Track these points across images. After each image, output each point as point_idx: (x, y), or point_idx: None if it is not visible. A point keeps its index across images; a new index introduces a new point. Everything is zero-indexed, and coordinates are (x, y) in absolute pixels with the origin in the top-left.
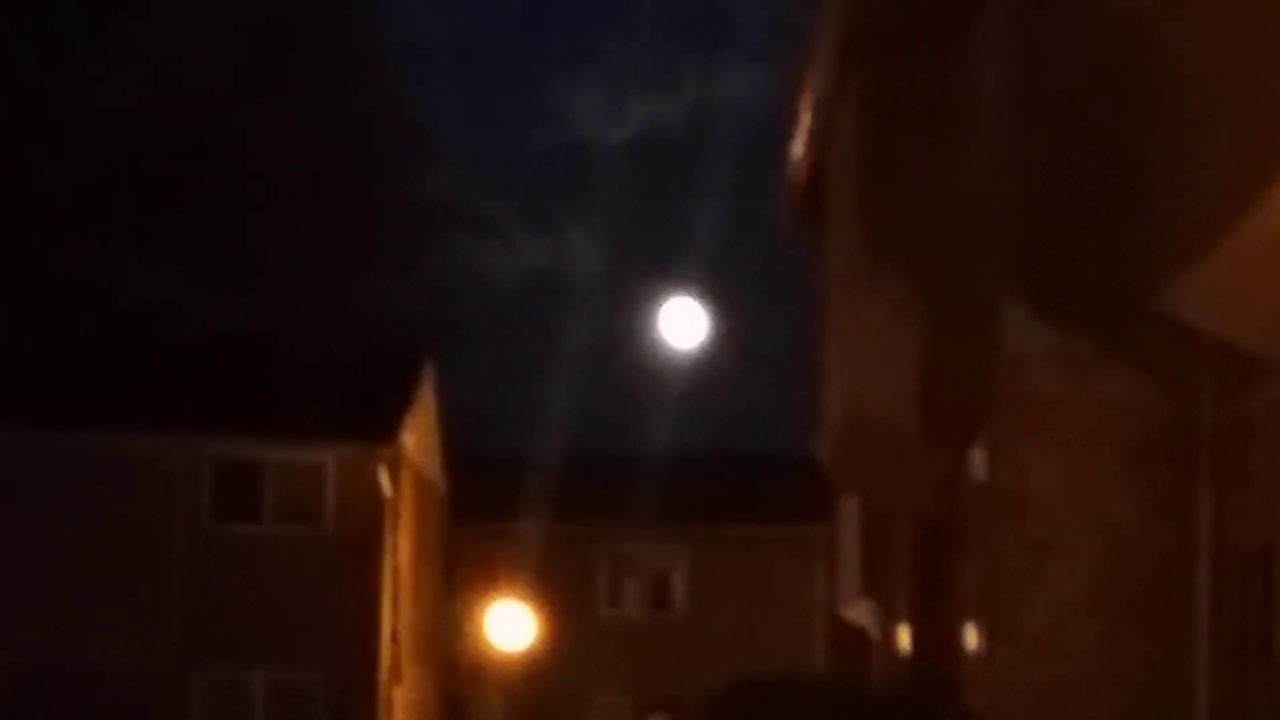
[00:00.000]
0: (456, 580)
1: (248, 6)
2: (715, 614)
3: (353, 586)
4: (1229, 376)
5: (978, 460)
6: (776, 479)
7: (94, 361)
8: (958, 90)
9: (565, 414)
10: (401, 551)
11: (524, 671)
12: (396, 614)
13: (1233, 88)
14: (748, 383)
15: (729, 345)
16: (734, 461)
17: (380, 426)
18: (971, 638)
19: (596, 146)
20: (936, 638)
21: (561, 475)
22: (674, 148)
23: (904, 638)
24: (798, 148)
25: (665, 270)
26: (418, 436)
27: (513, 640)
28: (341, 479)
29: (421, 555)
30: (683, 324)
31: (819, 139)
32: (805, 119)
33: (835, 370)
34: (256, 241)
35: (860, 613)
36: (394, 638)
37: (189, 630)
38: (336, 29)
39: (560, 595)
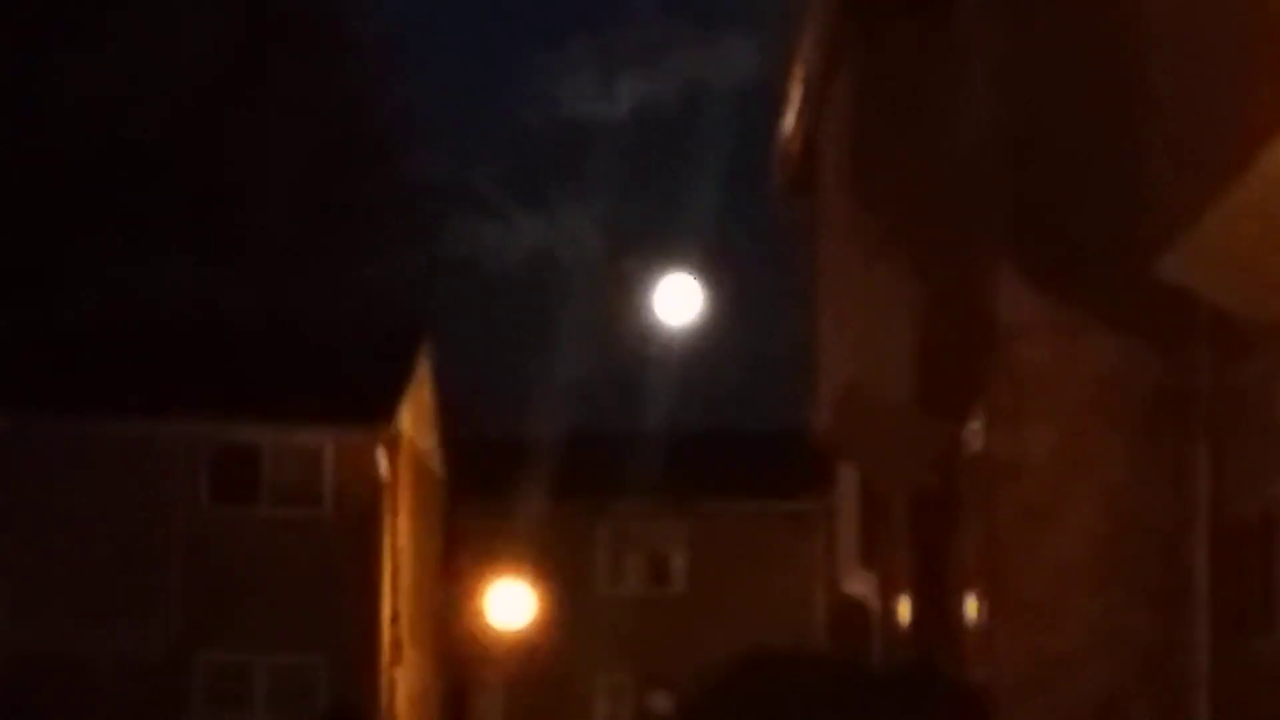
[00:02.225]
0: (456, 561)
1: None
2: (715, 590)
3: (352, 569)
4: (1225, 342)
5: (974, 431)
6: (774, 454)
7: (89, 347)
8: (947, 61)
9: (562, 393)
10: (400, 533)
11: (525, 651)
12: (396, 595)
13: (1223, 53)
14: (744, 358)
15: (725, 321)
16: (731, 437)
17: (377, 409)
18: (971, 608)
19: (589, 125)
20: (936, 609)
21: (559, 454)
22: (667, 125)
23: (904, 609)
24: (789, 122)
25: (660, 248)
26: (415, 418)
27: (513, 620)
28: (339, 462)
29: (420, 537)
30: (678, 300)
31: (810, 113)
32: (796, 94)
33: (830, 344)
34: (251, 226)
35: (860, 585)
36: (394, 619)
37: (189, 615)
38: (324, 10)
39: (560, 574)
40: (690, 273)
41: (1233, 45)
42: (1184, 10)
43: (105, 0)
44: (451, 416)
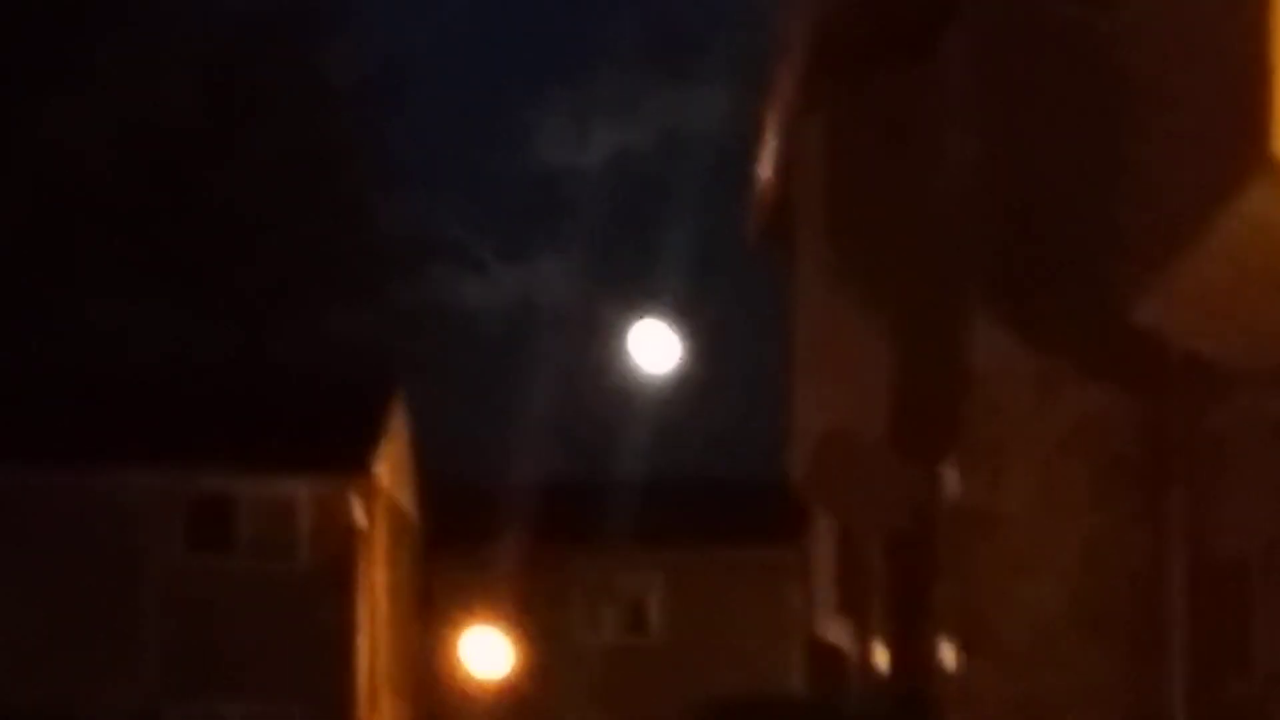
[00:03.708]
0: (432, 609)
1: (213, 36)
2: (692, 637)
3: (328, 618)
4: (1200, 388)
5: (950, 477)
6: (750, 501)
7: (63, 395)
8: (924, 108)
9: (539, 440)
10: (376, 582)
11: (502, 698)
12: (373, 644)
13: (1199, 101)
14: (721, 405)
15: (702, 368)
16: (708, 484)
17: (353, 458)
18: (948, 655)
19: (566, 173)
20: (913, 656)
21: (536, 502)
22: (643, 173)
23: (881, 656)
24: (765, 169)
25: (637, 295)
26: (391, 467)
27: (490, 667)
28: (315, 511)
29: (396, 585)
30: (655, 347)
31: (786, 160)
32: (771, 140)
33: (805, 390)
34: (227, 274)
35: (836, 632)
36: (371, 668)
37: (164, 665)
38: (302, 57)
39: (537, 621)
40: (667, 320)
41: (1207, 92)
42: (1161, 60)
43: (83, 44)
44: (427, 465)
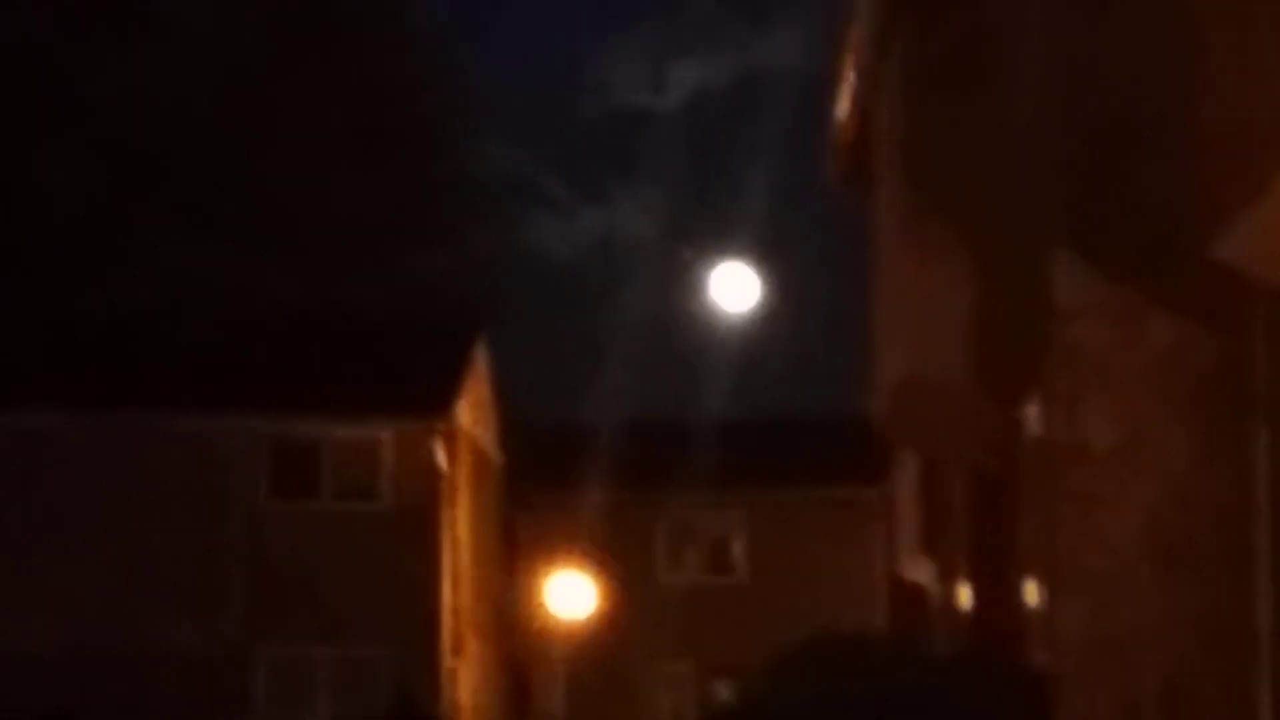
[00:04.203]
0: (516, 552)
1: None
2: (776, 578)
3: (412, 561)
4: None
5: (1032, 415)
6: (833, 441)
7: (147, 341)
8: (1001, 44)
9: (621, 382)
10: (460, 525)
11: (586, 640)
12: (457, 587)
13: None
14: (802, 344)
15: (782, 308)
16: (790, 425)
17: (435, 401)
18: (1031, 593)
19: (645, 115)
20: (996, 594)
21: (618, 444)
22: (722, 114)
23: (964, 595)
24: (843, 108)
25: (717, 236)
26: (473, 410)
27: (574, 610)
28: (398, 454)
29: (480, 528)
30: (735, 288)
31: (864, 99)
32: (849, 79)
33: (887, 330)
34: (306, 217)
35: (920, 572)
36: (455, 611)
37: (250, 609)
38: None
39: (620, 564)
40: (747, 261)
41: None
42: None
43: None
44: (509, 408)
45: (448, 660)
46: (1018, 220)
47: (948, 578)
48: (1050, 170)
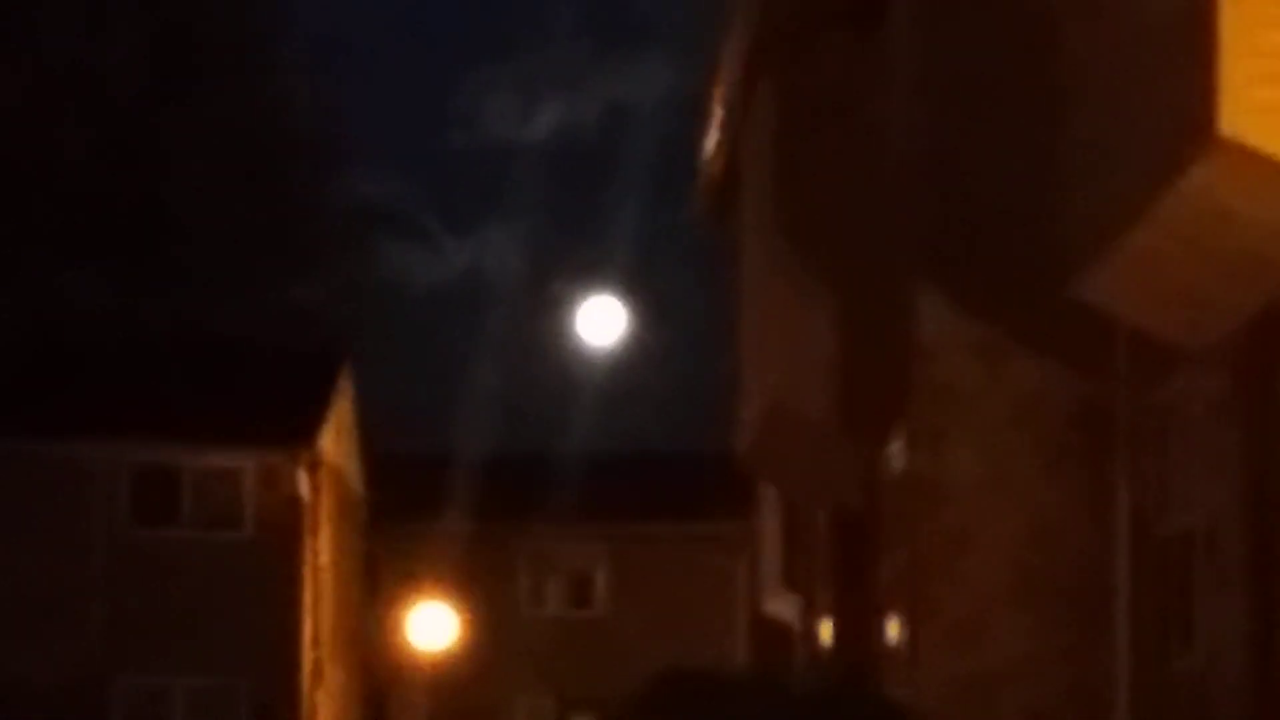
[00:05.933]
0: (378, 582)
1: (159, 5)
2: (637, 611)
3: (273, 590)
4: (1144, 363)
5: (895, 452)
6: (697, 475)
7: (7, 366)
8: (869, 81)
9: (484, 414)
10: (321, 554)
11: (447, 672)
12: (317, 617)
13: (1142, 75)
14: (667, 379)
15: (648, 342)
16: (654, 459)
17: (298, 430)
18: (893, 629)
19: (513, 147)
20: (859, 630)
21: (481, 475)
22: (589, 147)
23: (826, 631)
24: (711, 143)
25: (584, 269)
26: (336, 439)
27: (435, 640)
28: (260, 483)
29: (342, 557)
30: (602, 321)
31: (732, 134)
32: (718, 114)
33: (752, 365)
34: (171, 245)
35: (782, 606)
36: (315, 641)
37: (109, 638)
38: (247, 28)
39: (482, 595)
40: (614, 294)
41: (1155, 69)
42: (1109, 33)
43: (26, 12)
44: (373, 438)
45: (308, 690)
46: (884, 256)
47: (810, 613)
48: (915, 211)
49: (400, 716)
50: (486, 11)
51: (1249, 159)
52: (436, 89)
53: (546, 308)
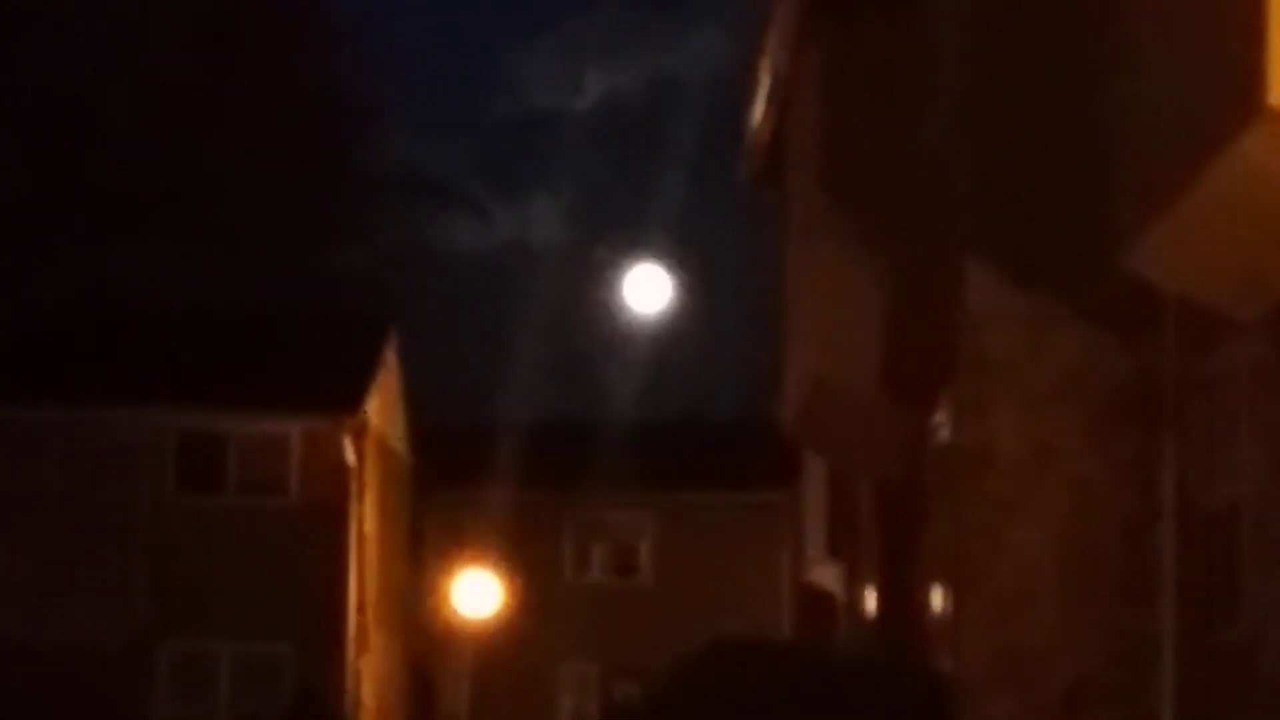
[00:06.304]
0: (423, 549)
1: None
2: (682, 581)
3: (319, 557)
4: (1191, 334)
5: (940, 422)
6: (742, 445)
7: (55, 335)
8: (917, 51)
9: (531, 382)
10: (367, 521)
11: (491, 639)
12: (363, 583)
13: (1189, 45)
14: (713, 347)
15: (693, 310)
16: (699, 427)
17: (344, 397)
18: (937, 599)
19: (559, 116)
20: (902, 600)
21: (527, 443)
22: (636, 116)
23: (870, 600)
24: (758, 112)
25: (630, 237)
26: (382, 406)
27: (480, 608)
28: (306, 450)
29: (387, 524)
30: (647, 290)
31: (779, 103)
32: (765, 83)
33: (798, 334)
34: (218, 213)
35: (826, 576)
36: (360, 607)
37: (155, 603)
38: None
39: (527, 563)
40: (659, 262)
41: (1204, 39)
42: (1157, 5)
43: None
44: (419, 405)
45: (352, 656)
46: (930, 228)
47: (854, 583)
48: (962, 180)
49: (445, 684)
50: None
51: None
52: (484, 57)
53: (593, 275)
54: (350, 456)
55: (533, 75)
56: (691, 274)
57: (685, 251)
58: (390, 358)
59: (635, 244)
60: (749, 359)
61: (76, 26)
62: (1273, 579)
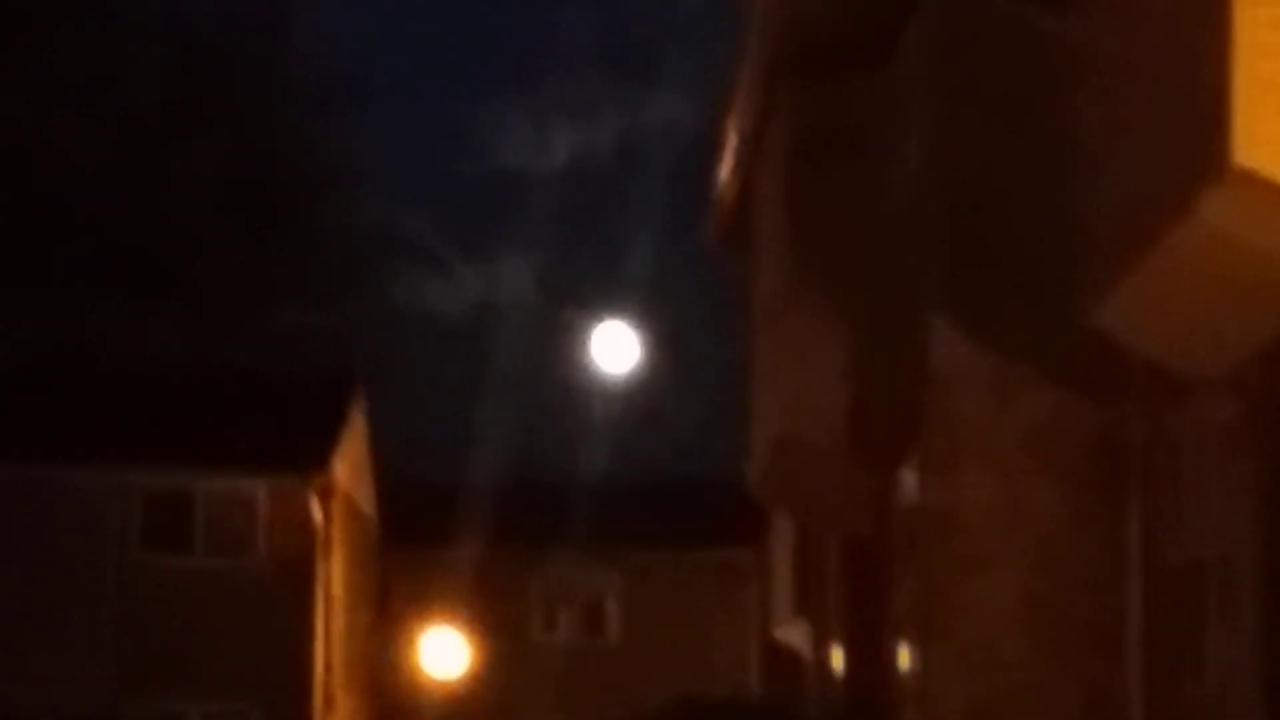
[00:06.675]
0: (390, 608)
1: (173, 35)
2: (650, 639)
3: (285, 616)
4: (1158, 394)
5: (908, 480)
6: (709, 503)
7: (19, 392)
8: (883, 112)
9: (498, 441)
10: (334, 581)
11: (459, 699)
12: (329, 643)
13: (1155, 105)
14: (680, 407)
15: (661, 370)
16: (666, 486)
17: (311, 456)
18: (905, 657)
19: (526, 175)
20: (870, 658)
21: (494, 502)
22: (603, 176)
23: (838, 658)
24: (724, 172)
25: (597, 297)
26: (349, 465)
27: (447, 668)
28: (273, 509)
29: (354, 584)
30: (615, 350)
31: (745, 163)
32: (731, 143)
33: (764, 392)
34: (186, 271)
35: (794, 634)
36: (327, 667)
37: (122, 663)
38: (262, 58)
39: (494, 622)
40: (627, 322)
41: (1167, 99)
42: (1122, 63)
43: (41, 39)
44: (386, 464)
45: (319, 717)
46: (897, 284)
47: (822, 641)
48: (925, 236)
49: None
50: (500, 41)
51: (1262, 190)
52: (450, 118)
53: (560, 335)
54: (318, 515)
55: (500, 135)
56: (659, 333)
57: (653, 311)
58: (358, 417)
59: (603, 303)
60: (716, 418)
61: (48, 80)
62: (1238, 636)
